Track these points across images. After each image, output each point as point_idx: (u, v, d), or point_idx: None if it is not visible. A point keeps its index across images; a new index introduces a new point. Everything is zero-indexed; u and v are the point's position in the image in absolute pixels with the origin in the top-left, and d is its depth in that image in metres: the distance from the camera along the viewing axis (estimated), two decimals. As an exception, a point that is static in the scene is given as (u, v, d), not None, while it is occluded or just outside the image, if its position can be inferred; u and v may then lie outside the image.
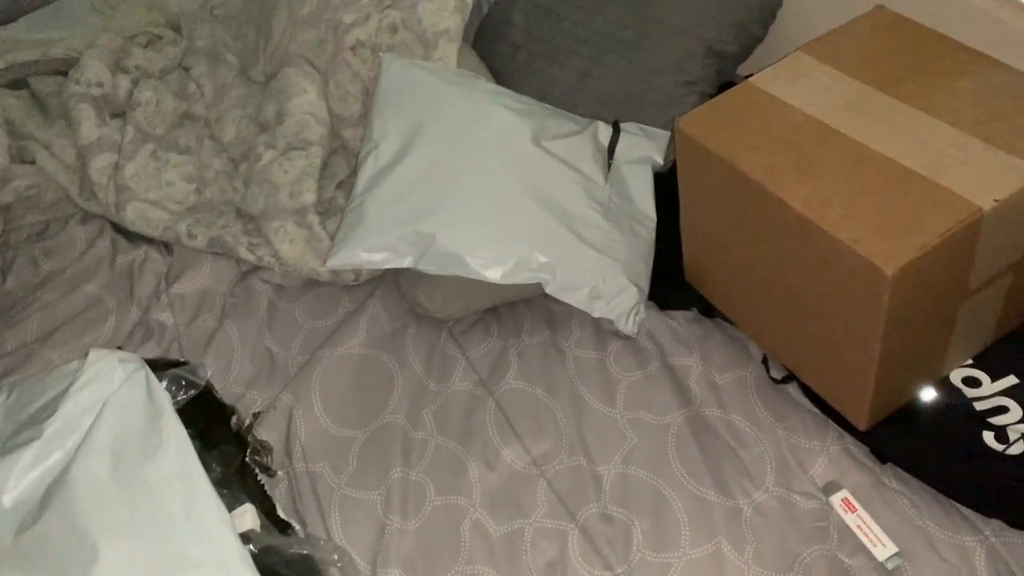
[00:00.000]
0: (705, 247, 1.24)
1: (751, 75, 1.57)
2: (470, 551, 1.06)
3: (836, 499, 1.08)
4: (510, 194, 1.29)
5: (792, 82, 1.13)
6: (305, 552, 0.99)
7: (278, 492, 1.12)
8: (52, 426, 0.98)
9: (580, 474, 1.13)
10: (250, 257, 1.40)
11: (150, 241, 1.47)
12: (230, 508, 0.98)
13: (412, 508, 1.11)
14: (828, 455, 1.12)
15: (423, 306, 1.32)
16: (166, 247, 1.46)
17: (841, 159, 1.02)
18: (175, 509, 0.92)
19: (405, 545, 1.07)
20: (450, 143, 1.34)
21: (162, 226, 1.45)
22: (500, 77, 1.56)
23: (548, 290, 1.24)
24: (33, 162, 1.52)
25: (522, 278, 1.24)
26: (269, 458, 1.15)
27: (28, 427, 1.00)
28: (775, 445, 1.14)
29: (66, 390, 1.02)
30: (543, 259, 1.24)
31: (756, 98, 1.13)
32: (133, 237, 1.48)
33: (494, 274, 1.24)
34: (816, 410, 1.17)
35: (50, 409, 1.00)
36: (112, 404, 1.00)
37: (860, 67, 1.12)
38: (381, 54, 1.50)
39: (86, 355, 1.06)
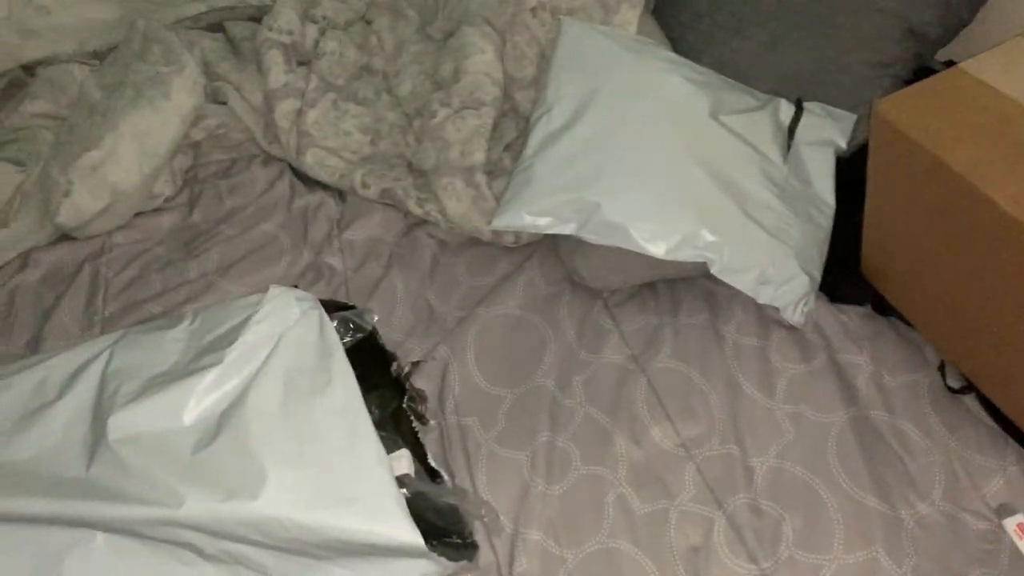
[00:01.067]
0: (889, 240, 1.16)
1: (951, 62, 1.48)
2: (612, 525, 1.05)
3: (1011, 523, 1.00)
4: (682, 167, 1.25)
5: (1009, 70, 1.04)
6: (453, 502, 1.01)
7: (429, 441, 1.15)
8: (232, 354, 1.04)
9: (731, 463, 1.10)
10: (418, 211, 1.43)
11: (325, 187, 1.53)
12: (387, 451, 1.01)
13: (557, 473, 1.11)
14: (1005, 475, 1.04)
15: (580, 274, 1.31)
16: (340, 194, 1.52)
17: (1061, 158, 0.93)
18: (338, 445, 0.96)
19: (548, 509, 1.08)
20: (624, 111, 1.32)
21: (338, 174, 1.50)
22: (679, 46, 1.52)
23: (713, 270, 1.21)
24: (224, 103, 1.60)
25: (687, 255, 1.21)
26: (424, 407, 1.18)
27: (209, 352, 1.06)
28: (946, 457, 1.07)
29: (246, 321, 1.07)
30: (711, 238, 1.20)
31: (966, 85, 1.04)
32: (310, 182, 1.54)
33: (658, 249, 1.21)
34: (996, 426, 1.09)
35: (230, 338, 1.06)
36: (287, 339, 1.05)
37: (1092, 58, 1.02)
38: (561, 17, 1.49)
39: (266, 290, 1.11)
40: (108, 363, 1.10)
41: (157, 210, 1.53)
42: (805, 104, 1.39)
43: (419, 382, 1.21)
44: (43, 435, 1.05)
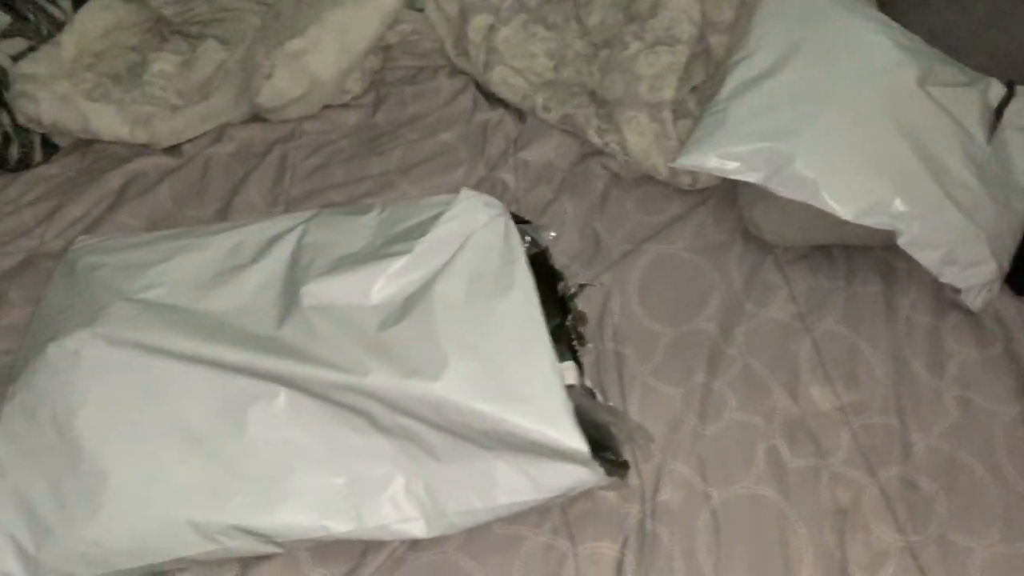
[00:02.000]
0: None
1: None
2: (762, 472, 1.06)
3: None
4: (882, 131, 1.22)
5: None
6: (609, 420, 1.03)
7: (585, 363, 1.17)
8: (421, 245, 1.08)
9: (890, 434, 1.09)
10: (597, 140, 1.44)
11: (506, 106, 1.55)
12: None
13: (711, 413, 1.12)
14: None
15: (758, 225, 1.30)
16: (520, 114, 1.54)
17: None
18: (515, 345, 0.99)
19: (698, 446, 1.09)
20: (828, 66, 1.29)
21: (522, 94, 1.52)
22: (890, 9, 1.46)
23: (901, 242, 1.18)
24: (421, 10, 1.63)
25: (875, 222, 1.18)
26: (584, 328, 1.20)
27: (399, 241, 1.11)
28: None
29: (436, 217, 1.11)
30: (903, 208, 1.17)
31: None
32: (492, 99, 1.56)
33: (846, 211, 1.19)
34: None
35: (420, 230, 1.10)
36: (475, 239, 1.08)
37: None
38: (772, -36, 1.45)
39: (453, 192, 1.15)
40: (302, 237, 1.16)
41: (344, 105, 1.59)
42: (1018, 87, 1.32)
43: (582, 305, 1.23)
44: (238, 293, 1.12)
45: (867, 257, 1.28)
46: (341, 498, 1.00)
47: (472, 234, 1.09)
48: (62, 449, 1.02)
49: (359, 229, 1.16)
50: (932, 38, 1.39)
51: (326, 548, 1.02)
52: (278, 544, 1.00)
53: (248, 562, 1.02)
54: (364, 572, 1.01)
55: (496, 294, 1.04)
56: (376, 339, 1.01)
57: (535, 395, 0.96)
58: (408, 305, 1.04)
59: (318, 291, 1.07)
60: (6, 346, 1.24)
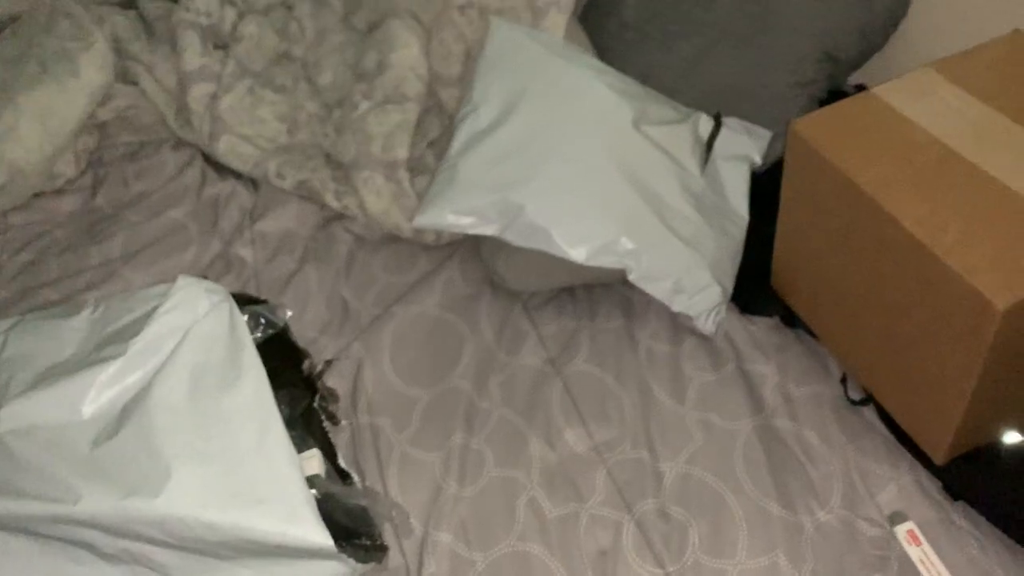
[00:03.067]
0: (799, 255, 1.20)
1: (860, 84, 1.54)
2: (524, 527, 1.06)
3: (901, 530, 1.05)
4: (604, 174, 1.27)
5: (918, 99, 1.09)
6: (363, 504, 0.99)
7: (339, 442, 1.13)
8: (135, 346, 0.99)
9: (642, 467, 1.12)
10: (335, 204, 1.41)
11: (238, 176, 1.48)
12: (297, 450, 0.98)
13: (470, 475, 1.10)
14: (898, 484, 1.09)
15: (501, 276, 1.31)
16: (253, 184, 1.48)
17: (961, 184, 0.98)
18: (247, 442, 0.93)
19: (459, 511, 1.07)
20: (550, 115, 1.33)
21: (252, 162, 1.46)
22: (604, 55, 1.53)
23: (631, 277, 1.23)
24: (135, 83, 1.54)
25: (607, 261, 1.22)
26: (335, 406, 1.15)
27: (111, 343, 1.02)
28: (844, 466, 1.11)
29: (152, 312, 1.03)
30: (630, 245, 1.22)
31: (878, 110, 1.09)
32: (222, 170, 1.49)
33: (579, 253, 1.22)
34: (891, 436, 1.14)
35: (134, 329, 1.02)
36: (195, 331, 1.01)
37: (992, 92, 1.07)
38: (491, 17, 1.48)
39: (174, 280, 1.07)
40: (0, 351, 1.04)
41: (58, 191, 1.47)
42: (724, 119, 1.42)
43: (331, 381, 1.19)
44: (-77, 425, 0.98)
45: (608, 294, 1.33)
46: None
47: (192, 326, 1.02)
48: None
49: (67, 334, 1.06)
50: (645, 79, 1.48)
51: None
52: None
53: None
54: None
55: (222, 389, 0.97)
56: (89, 458, 0.91)
57: (272, 494, 0.90)
58: (124, 415, 0.95)
59: (18, 412, 0.95)
60: None
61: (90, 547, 0.90)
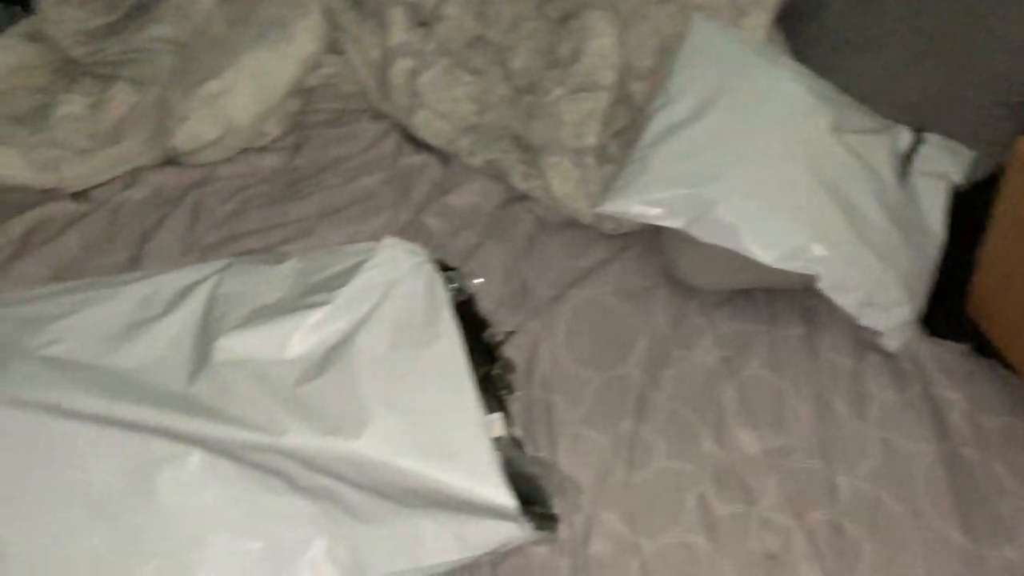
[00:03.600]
0: (1007, 282, 1.15)
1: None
2: (691, 520, 1.05)
3: (1098, 580, 0.99)
4: (800, 178, 1.24)
5: None
6: (537, 472, 1.01)
7: (514, 412, 1.15)
8: (341, 296, 1.05)
9: (815, 477, 1.10)
10: (522, 185, 1.44)
11: (430, 149, 1.53)
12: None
13: (639, 462, 1.11)
14: (1096, 531, 1.02)
15: (681, 270, 1.31)
16: (445, 159, 1.52)
17: None
18: (441, 398, 0.97)
19: (627, 495, 1.08)
20: (746, 114, 1.31)
21: (446, 138, 1.51)
22: (802, 59, 1.50)
23: (821, 286, 1.20)
24: (342, 53, 1.61)
25: (797, 266, 1.20)
26: (512, 377, 1.18)
27: (317, 292, 1.08)
28: (1037, 505, 1.05)
29: (357, 266, 1.08)
30: (822, 252, 1.19)
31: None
32: (416, 142, 1.54)
33: (767, 256, 1.20)
34: (1092, 481, 1.07)
35: (341, 280, 1.07)
36: (397, 289, 1.06)
37: None
38: (693, 12, 1.48)
39: (379, 238, 1.12)
40: (216, 287, 1.12)
41: (262, 148, 1.55)
42: (925, 135, 1.37)
43: (508, 352, 1.22)
44: (148, 347, 1.07)
45: (789, 300, 1.30)
46: (257, 563, 0.95)
47: (395, 283, 1.07)
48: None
49: (276, 279, 1.13)
50: (845, 87, 1.44)
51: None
52: (190, 616, 0.94)
53: (157, 636, 0.96)
54: (282, 641, 0.96)
55: (420, 345, 1.01)
56: (294, 395, 0.97)
57: (461, 450, 0.93)
58: (328, 359, 1.00)
59: (232, 345, 1.02)
60: None
61: (288, 479, 0.96)
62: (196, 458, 0.97)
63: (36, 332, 1.08)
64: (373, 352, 1.00)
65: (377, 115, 1.60)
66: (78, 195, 1.47)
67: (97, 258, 1.37)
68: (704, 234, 1.24)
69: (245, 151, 1.54)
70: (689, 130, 1.30)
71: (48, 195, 1.46)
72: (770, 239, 1.20)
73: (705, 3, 1.50)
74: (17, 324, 1.09)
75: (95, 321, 1.10)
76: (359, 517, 0.95)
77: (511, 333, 1.20)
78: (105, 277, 1.20)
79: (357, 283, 1.06)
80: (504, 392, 1.14)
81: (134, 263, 1.36)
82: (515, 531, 0.94)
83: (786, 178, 1.24)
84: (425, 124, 1.53)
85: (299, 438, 0.93)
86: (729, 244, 1.22)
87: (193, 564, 0.94)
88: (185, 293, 1.12)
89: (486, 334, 1.19)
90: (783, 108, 1.32)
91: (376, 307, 1.04)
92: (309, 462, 0.94)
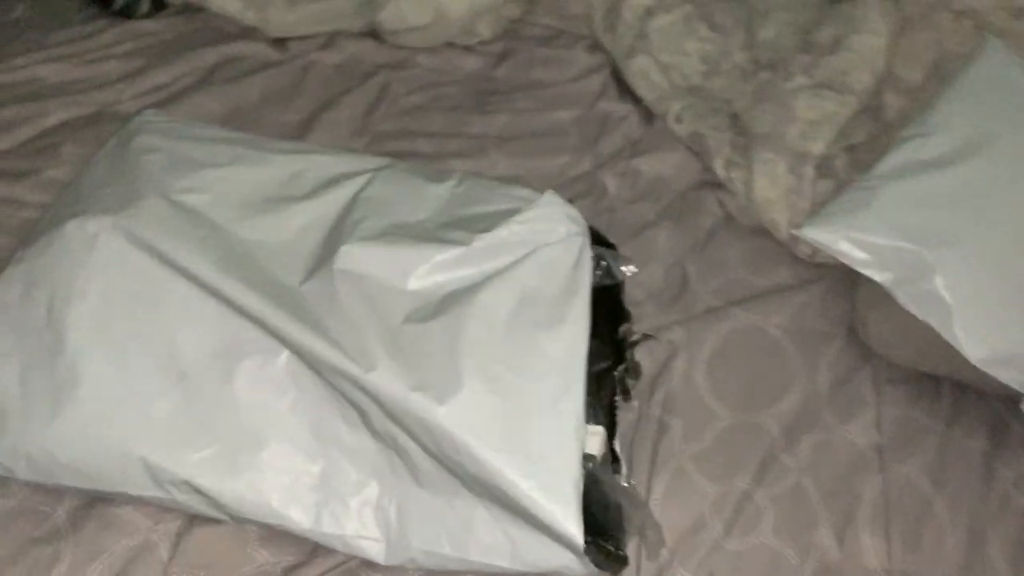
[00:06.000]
0: None
1: None
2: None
3: None
4: (1050, 272, 1.02)
5: None
6: (624, 504, 0.90)
7: (621, 423, 1.03)
8: (481, 241, 0.95)
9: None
10: (721, 172, 1.27)
11: (636, 101, 1.39)
12: (586, 419, 0.90)
13: (740, 528, 0.97)
14: None
15: (868, 329, 1.12)
16: (647, 116, 1.37)
17: None
18: (544, 394, 0.86)
19: (714, 560, 0.94)
20: (1015, 174, 1.08)
21: (657, 94, 1.36)
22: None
23: (1027, 407, 0.99)
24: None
25: (1005, 376, 0.99)
26: (634, 383, 1.06)
27: (459, 228, 0.98)
28: None
29: (509, 214, 0.98)
30: (1047, 371, 0.98)
31: None
32: (624, 89, 1.40)
33: (975, 352, 0.99)
34: None
35: (486, 223, 0.97)
36: (542, 254, 0.95)
37: None
38: (988, 35, 1.23)
39: (553, 180, 1.01)
40: (365, 186, 1.05)
41: (467, 48, 1.46)
42: None
43: (639, 355, 1.09)
44: (278, 226, 1.01)
45: (979, 404, 1.09)
46: (308, 490, 0.90)
47: (540, 248, 0.95)
48: (46, 336, 0.94)
49: (426, 198, 1.04)
50: None
51: (278, 531, 0.92)
52: (226, 514, 0.91)
53: (193, 519, 0.93)
54: (311, 571, 0.91)
55: (542, 327, 0.90)
56: (396, 332, 0.89)
57: (544, 457, 0.83)
58: (443, 305, 0.91)
59: (357, 255, 0.95)
60: (42, 200, 1.18)
61: (363, 415, 0.89)
62: (283, 360, 0.92)
63: (180, 174, 1.05)
64: (491, 315, 0.89)
65: (594, 46, 1.46)
66: (276, 42, 1.43)
67: (272, 112, 1.34)
68: (909, 301, 1.04)
69: (449, 45, 1.46)
70: (938, 174, 1.09)
71: (248, 33, 1.43)
72: (985, 334, 0.99)
73: (1008, 28, 1.24)
74: (166, 160, 1.07)
75: (239, 182, 1.06)
76: (419, 480, 0.88)
77: (649, 337, 1.07)
78: (266, 138, 1.15)
79: (501, 233, 0.95)
80: (619, 398, 1.02)
81: (304, 128, 1.32)
82: (574, 565, 0.84)
83: (1034, 268, 1.02)
84: (641, 72, 1.37)
85: (384, 381, 0.85)
86: (934, 322, 1.02)
87: (246, 465, 0.89)
88: (334, 182, 1.06)
89: (622, 328, 1.07)
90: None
91: (512, 267, 0.93)
92: (386, 407, 0.86)
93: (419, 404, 0.84)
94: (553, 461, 0.83)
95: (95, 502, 0.94)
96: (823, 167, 1.25)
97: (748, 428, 1.05)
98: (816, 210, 1.15)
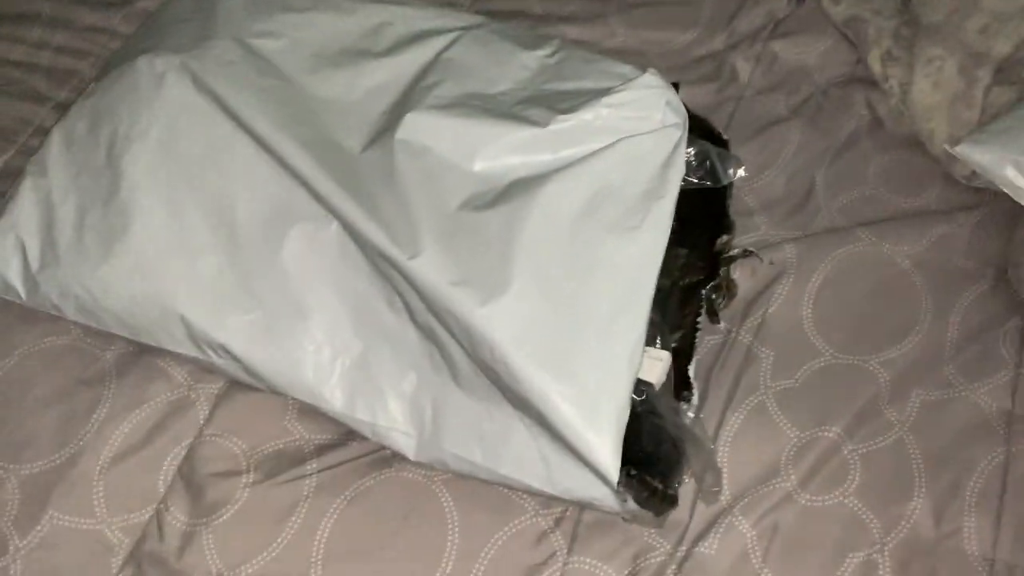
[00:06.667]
0: None
1: None
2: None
3: None
4: None
5: None
6: (683, 439, 0.79)
7: (703, 347, 0.92)
8: (560, 123, 0.83)
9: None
10: (876, 67, 1.08)
11: (793, -24, 1.18)
12: (650, 340, 0.79)
13: (817, 485, 0.84)
14: None
15: (1020, 278, 0.93)
16: (801, -8, 1.17)
17: None
18: (601, 308, 0.75)
19: (781, 515, 0.83)
20: None
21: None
22: None
23: None
24: None
25: None
26: (726, 304, 0.93)
27: (540, 105, 0.86)
28: None
29: (598, 95, 0.84)
30: None
31: None
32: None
33: None
34: None
35: (572, 103, 0.84)
36: (628, 145, 0.81)
37: None
38: None
39: (645, 70, 0.86)
40: (448, 47, 0.94)
41: None
42: None
43: (738, 273, 0.96)
44: (350, 84, 0.93)
45: None
46: (345, 371, 0.84)
47: (629, 137, 0.82)
48: (105, 174, 0.91)
49: (514, 67, 0.92)
50: None
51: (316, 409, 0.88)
52: (262, 383, 0.87)
53: (234, 384, 0.90)
54: (343, 454, 0.88)
55: (613, 231, 0.78)
56: (449, 217, 0.80)
57: (587, 380, 0.73)
58: (507, 192, 0.81)
59: (422, 125, 0.86)
60: (129, 31, 1.13)
61: (407, 304, 0.81)
62: (334, 231, 0.85)
63: (259, 15, 0.98)
64: (557, 210, 0.78)
65: None
66: None
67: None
68: (1083, 249, 0.85)
69: None
70: None
71: None
72: None
73: None
74: (250, -1, 0.99)
75: (318, 30, 0.98)
76: (459, 381, 0.81)
77: (750, 253, 0.93)
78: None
79: (585, 116, 0.83)
80: (703, 318, 0.90)
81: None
82: (608, 499, 0.75)
83: None
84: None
85: (425, 270, 0.77)
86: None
87: (286, 334, 0.85)
88: (417, 39, 0.96)
89: (721, 240, 0.93)
90: None
91: (591, 157, 0.81)
92: (428, 300, 0.78)
93: (458, 301, 0.75)
94: (598, 384, 0.73)
95: (143, 352, 0.92)
96: (1003, 72, 1.03)
97: (851, 371, 0.91)
98: (984, 124, 0.95)
